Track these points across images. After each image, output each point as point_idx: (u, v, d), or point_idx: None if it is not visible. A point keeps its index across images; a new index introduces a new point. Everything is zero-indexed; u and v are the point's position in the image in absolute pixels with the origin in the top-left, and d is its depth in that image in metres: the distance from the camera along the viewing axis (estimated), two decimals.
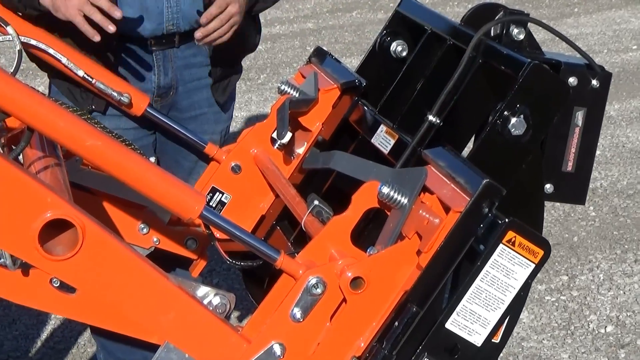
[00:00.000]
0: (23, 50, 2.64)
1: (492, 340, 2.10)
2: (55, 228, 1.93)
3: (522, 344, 4.50)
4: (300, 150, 2.69)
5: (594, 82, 2.33)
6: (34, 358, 4.58)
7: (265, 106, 7.18)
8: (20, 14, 2.89)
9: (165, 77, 3.16)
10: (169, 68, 3.19)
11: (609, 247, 5.41)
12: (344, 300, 2.09)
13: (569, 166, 2.38)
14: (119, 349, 3.35)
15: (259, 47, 3.48)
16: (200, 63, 3.24)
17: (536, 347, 4.49)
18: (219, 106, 3.31)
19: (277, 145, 2.66)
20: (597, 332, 4.59)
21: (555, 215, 5.66)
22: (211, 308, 2.16)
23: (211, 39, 2.97)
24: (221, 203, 2.71)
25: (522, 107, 2.22)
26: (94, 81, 2.83)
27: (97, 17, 2.73)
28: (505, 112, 2.21)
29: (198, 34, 2.95)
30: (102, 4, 2.74)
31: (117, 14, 2.76)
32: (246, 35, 3.22)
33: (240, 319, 4.17)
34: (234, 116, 3.47)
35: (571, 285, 5.02)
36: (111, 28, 2.75)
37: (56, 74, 3.10)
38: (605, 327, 4.61)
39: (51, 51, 2.79)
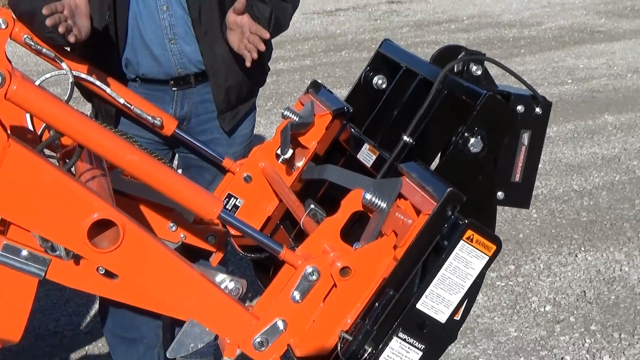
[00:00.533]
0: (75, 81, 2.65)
1: (454, 318, 2.10)
2: (101, 226, 1.93)
3: (478, 320, 4.49)
4: (300, 164, 2.68)
5: (537, 109, 2.32)
6: (84, 331, 4.56)
7: (271, 128, 7.15)
8: (69, 48, 2.88)
9: (181, 110, 3.13)
10: (185, 103, 3.16)
11: (547, 243, 5.40)
12: (335, 285, 2.08)
13: (517, 177, 2.37)
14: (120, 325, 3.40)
15: (267, 79, 3.46)
16: (213, 94, 3.18)
17: (489, 322, 4.48)
18: (227, 133, 3.26)
19: (280, 160, 2.64)
20: (538, 310, 4.58)
21: (504, 216, 5.65)
22: (227, 291, 2.15)
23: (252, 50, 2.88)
24: (235, 206, 2.71)
25: (479, 129, 2.21)
26: (132, 107, 2.83)
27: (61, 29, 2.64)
28: (466, 134, 2.21)
29: (248, 63, 2.92)
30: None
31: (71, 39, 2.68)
32: (252, 70, 3.20)
33: (251, 299, 4.16)
34: (252, 133, 3.45)
35: (517, 272, 5.01)
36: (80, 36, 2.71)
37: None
38: (545, 306, 4.60)
39: (97, 83, 2.78)
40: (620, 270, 4.99)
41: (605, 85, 8.74)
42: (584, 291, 4.78)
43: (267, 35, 2.84)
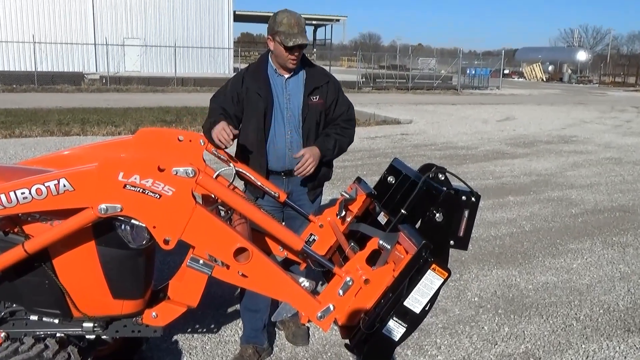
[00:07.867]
0: (236, 174, 2.57)
1: (425, 309, 1.92)
2: (241, 251, 1.83)
3: (442, 313, 4.18)
4: (348, 219, 2.55)
5: (473, 199, 2.15)
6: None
7: (335, 197, 7.02)
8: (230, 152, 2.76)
9: (287, 188, 3.00)
10: (289, 184, 3.03)
11: (485, 262, 5.08)
12: (361, 288, 1.94)
13: (461, 233, 2.18)
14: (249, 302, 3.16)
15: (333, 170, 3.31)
16: (303, 182, 3.06)
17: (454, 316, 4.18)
18: (311, 201, 3.12)
19: (338, 217, 2.52)
20: (471, 300, 4.26)
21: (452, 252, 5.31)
22: (304, 287, 2.01)
23: (302, 173, 2.86)
24: (313, 240, 2.56)
25: (441, 209, 2.06)
26: (265, 187, 2.76)
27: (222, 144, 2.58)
28: (434, 210, 2.06)
29: (296, 172, 2.87)
30: (222, 139, 2.57)
31: (228, 145, 2.58)
32: (323, 171, 3.09)
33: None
34: (321, 201, 3.30)
35: (458, 276, 4.69)
36: (227, 145, 2.58)
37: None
38: (474, 298, 4.28)
39: (247, 174, 2.70)
40: (515, 280, 4.64)
41: (509, 180, 8.44)
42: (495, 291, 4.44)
43: (310, 172, 2.87)
